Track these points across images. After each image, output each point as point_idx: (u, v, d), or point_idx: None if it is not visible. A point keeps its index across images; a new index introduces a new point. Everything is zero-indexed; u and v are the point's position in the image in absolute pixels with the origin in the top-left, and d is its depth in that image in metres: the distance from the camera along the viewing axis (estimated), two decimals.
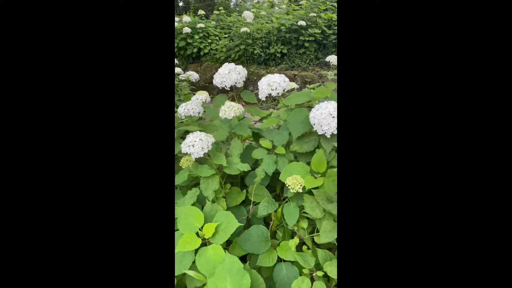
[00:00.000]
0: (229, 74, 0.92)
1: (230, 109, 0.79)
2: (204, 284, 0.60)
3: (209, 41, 3.81)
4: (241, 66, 0.97)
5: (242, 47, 3.30)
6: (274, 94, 0.92)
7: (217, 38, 3.87)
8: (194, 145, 0.67)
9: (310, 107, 0.88)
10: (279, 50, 3.18)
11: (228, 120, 0.89)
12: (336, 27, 3.13)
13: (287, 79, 0.96)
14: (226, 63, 0.98)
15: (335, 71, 1.50)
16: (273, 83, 0.92)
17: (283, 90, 0.95)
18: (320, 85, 1.33)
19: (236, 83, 0.94)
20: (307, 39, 3.08)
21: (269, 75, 0.97)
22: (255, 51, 3.26)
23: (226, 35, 3.78)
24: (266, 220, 0.85)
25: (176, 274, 0.61)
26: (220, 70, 0.95)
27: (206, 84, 3.58)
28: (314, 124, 0.72)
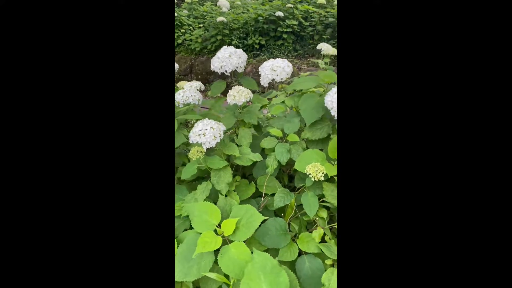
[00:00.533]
0: (230, 58, 0.85)
1: (240, 94, 0.72)
2: (226, 285, 0.54)
3: (182, 30, 3.62)
4: (241, 50, 0.90)
5: (218, 37, 3.18)
6: (278, 79, 0.87)
7: (191, 28, 3.69)
8: (205, 134, 0.60)
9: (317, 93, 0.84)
10: (257, 41, 3.12)
11: (235, 107, 0.82)
12: (312, 19, 3.14)
13: (290, 64, 0.91)
14: (225, 47, 0.90)
15: (326, 59, 1.48)
16: (276, 67, 0.87)
17: (287, 76, 0.90)
18: (311, 74, 1.30)
19: (237, 67, 0.87)
20: (285, 30, 3.05)
21: (271, 59, 0.91)
22: (233, 42, 3.15)
23: (200, 25, 3.62)
24: (275, 213, 0.80)
25: (194, 278, 0.54)
26: (219, 53, 0.88)
27: (181, 76, 3.41)
28: (331, 109, 0.69)
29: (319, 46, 1.37)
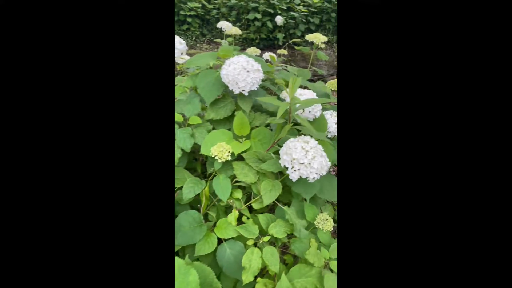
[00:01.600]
0: None
1: None
2: None
3: None
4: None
5: None
6: None
7: None
8: None
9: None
10: None
11: None
12: (216, 1, 3.04)
13: (183, 41, 0.82)
14: None
15: (230, 39, 1.42)
16: None
17: (181, 54, 0.81)
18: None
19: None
20: (188, 13, 2.88)
21: None
22: None
23: None
24: (192, 206, 0.73)
25: None
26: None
27: None
28: (228, 83, 0.64)
29: (219, 24, 1.31)
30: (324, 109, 0.84)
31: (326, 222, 0.62)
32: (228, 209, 0.71)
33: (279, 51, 1.38)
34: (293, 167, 0.50)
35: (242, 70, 0.62)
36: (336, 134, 0.73)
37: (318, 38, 1.19)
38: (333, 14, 2.81)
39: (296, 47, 1.40)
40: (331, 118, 0.73)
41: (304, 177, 0.49)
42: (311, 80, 1.04)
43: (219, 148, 0.60)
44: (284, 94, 0.65)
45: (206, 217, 0.69)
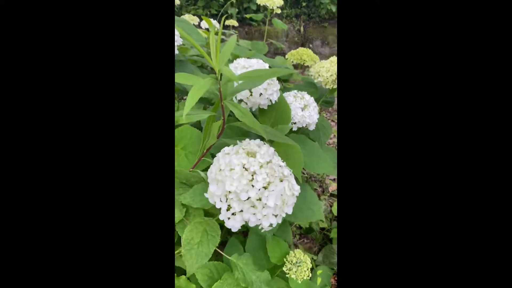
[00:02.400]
0: None
1: None
2: None
3: None
4: None
5: None
6: None
7: None
8: None
9: None
10: None
11: None
12: None
13: None
14: None
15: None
16: None
17: None
18: None
19: None
20: None
21: None
22: None
23: None
24: None
25: None
26: None
27: None
28: None
29: None
30: (285, 89, 0.60)
31: (300, 266, 0.40)
32: None
33: (228, 22, 1.09)
34: (229, 207, 0.25)
35: None
36: (304, 124, 0.49)
37: (272, 1, 0.93)
38: None
39: (247, 15, 1.13)
40: (295, 102, 0.50)
41: (252, 225, 0.25)
42: (268, 56, 0.80)
43: None
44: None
45: None
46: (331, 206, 1.00)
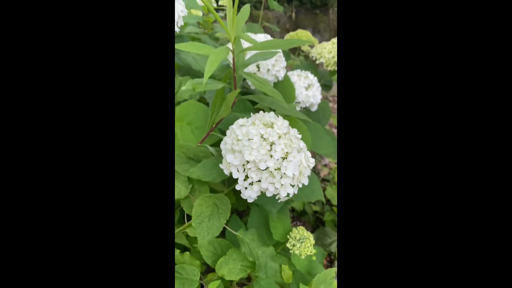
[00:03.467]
0: None
1: None
2: None
3: None
4: None
5: None
6: None
7: None
8: None
9: None
10: None
11: None
12: None
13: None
14: None
15: None
16: None
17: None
18: None
19: None
20: None
21: None
22: None
23: None
24: None
25: None
26: None
27: None
28: None
29: None
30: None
31: (303, 242, 0.41)
32: None
33: (221, 2, 1.06)
34: (247, 177, 0.25)
35: None
36: (308, 105, 0.49)
37: None
38: None
39: None
40: (299, 81, 0.49)
41: (269, 194, 0.25)
42: None
43: None
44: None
45: None
46: (324, 191, 1.02)
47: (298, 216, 0.91)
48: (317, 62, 0.59)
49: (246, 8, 0.30)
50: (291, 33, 0.76)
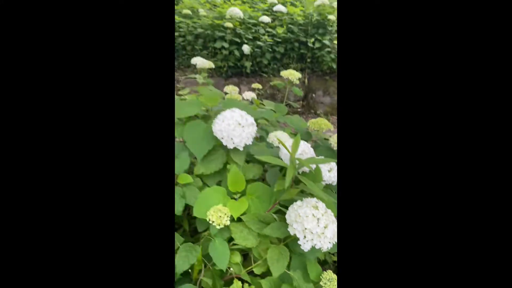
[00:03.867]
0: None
1: None
2: None
3: None
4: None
5: None
6: None
7: None
8: None
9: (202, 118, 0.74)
10: None
11: None
12: (181, 29, 3.02)
13: None
14: None
15: (204, 74, 1.40)
16: None
17: None
18: (191, 91, 1.19)
19: None
20: None
21: None
22: None
23: None
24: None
25: None
26: None
27: None
28: (222, 138, 0.60)
29: (193, 61, 1.28)
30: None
31: (332, 281, 0.60)
32: (223, 273, 0.64)
33: (254, 85, 1.39)
34: (305, 236, 0.47)
35: (237, 126, 0.59)
36: (330, 182, 0.72)
37: (293, 75, 1.21)
38: (296, 44, 2.97)
39: (272, 83, 1.42)
40: (324, 166, 0.73)
41: (317, 247, 0.47)
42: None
43: (216, 213, 0.55)
44: (284, 152, 0.62)
45: (199, 284, 0.62)
46: None
47: (321, 264, 1.07)
48: (334, 149, 0.83)
49: (298, 139, 0.55)
50: (313, 120, 1.03)
